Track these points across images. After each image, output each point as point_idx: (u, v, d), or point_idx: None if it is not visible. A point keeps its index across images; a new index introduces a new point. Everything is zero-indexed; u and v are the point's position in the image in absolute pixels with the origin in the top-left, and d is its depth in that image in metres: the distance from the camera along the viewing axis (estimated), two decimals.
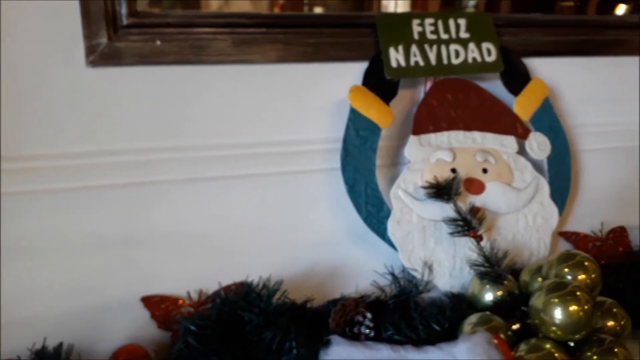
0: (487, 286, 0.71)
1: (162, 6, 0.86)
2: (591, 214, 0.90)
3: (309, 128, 0.79)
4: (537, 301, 0.61)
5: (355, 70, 0.78)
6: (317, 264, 0.77)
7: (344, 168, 0.75)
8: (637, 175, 0.94)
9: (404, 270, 0.75)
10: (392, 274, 0.74)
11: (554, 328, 0.60)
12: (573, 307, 0.59)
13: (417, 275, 0.75)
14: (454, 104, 0.80)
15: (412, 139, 0.78)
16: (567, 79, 0.90)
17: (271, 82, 0.77)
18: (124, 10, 0.67)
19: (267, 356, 0.62)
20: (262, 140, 0.78)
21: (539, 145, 0.82)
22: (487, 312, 0.66)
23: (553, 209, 0.81)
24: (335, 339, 0.61)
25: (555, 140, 0.83)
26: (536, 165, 0.83)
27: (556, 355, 0.59)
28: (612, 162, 0.93)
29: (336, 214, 0.78)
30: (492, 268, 0.69)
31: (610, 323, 0.66)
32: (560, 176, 0.83)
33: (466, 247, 0.75)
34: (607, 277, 0.75)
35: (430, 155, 0.77)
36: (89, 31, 0.66)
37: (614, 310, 0.67)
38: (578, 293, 0.60)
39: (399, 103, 0.82)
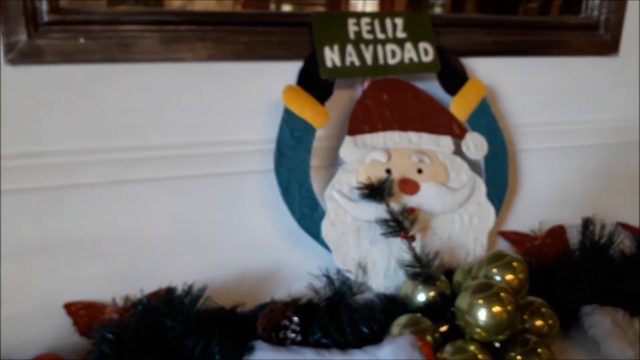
0: (420, 287, 0.70)
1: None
2: (531, 214, 0.91)
3: (242, 128, 0.78)
4: (462, 302, 0.61)
5: (290, 70, 0.76)
6: (250, 268, 0.75)
7: (278, 169, 0.73)
8: (575, 174, 0.95)
9: (338, 272, 0.74)
10: (327, 276, 0.73)
11: (478, 329, 0.60)
12: (496, 308, 0.59)
13: (352, 276, 0.74)
14: (390, 105, 0.80)
15: (348, 140, 0.77)
16: (506, 79, 0.91)
17: (203, 81, 0.75)
18: (44, 6, 0.65)
19: None
20: (194, 140, 0.76)
21: (475, 145, 0.82)
22: (417, 314, 0.66)
23: (490, 208, 0.81)
24: (258, 344, 0.59)
25: (493, 140, 0.84)
26: (473, 165, 0.83)
27: (480, 357, 0.59)
28: (551, 161, 0.94)
29: (271, 216, 0.77)
30: (423, 269, 0.69)
31: (539, 322, 0.66)
32: (498, 176, 0.84)
33: (401, 248, 0.74)
34: (541, 276, 0.76)
35: (365, 156, 0.77)
36: (8, 28, 0.64)
37: (543, 310, 0.67)
38: (502, 294, 0.60)
39: (337, 103, 0.81)
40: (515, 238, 0.87)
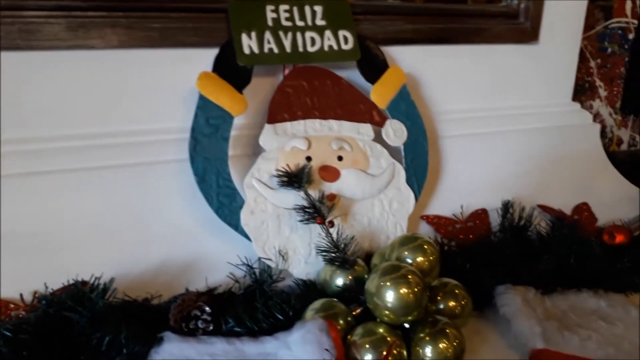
0: (338, 272, 0.71)
1: None
2: (454, 198, 0.92)
3: (159, 117, 0.77)
4: (370, 285, 0.62)
5: (207, 57, 0.75)
6: (169, 259, 0.74)
7: (193, 158, 0.72)
8: (497, 159, 0.98)
9: (259, 260, 0.74)
10: (247, 265, 0.73)
11: (386, 312, 0.61)
12: (404, 290, 0.60)
13: (272, 264, 0.74)
14: (310, 92, 0.80)
15: (267, 128, 0.77)
16: (428, 67, 0.92)
17: (115, 69, 0.73)
18: None
19: (98, 357, 0.59)
20: (108, 130, 0.75)
21: (395, 132, 0.83)
22: (332, 299, 0.66)
23: (409, 193, 0.83)
24: (167, 335, 0.59)
25: (412, 127, 0.85)
26: (393, 152, 0.84)
27: (388, 338, 0.59)
28: (473, 147, 0.97)
29: (189, 206, 0.76)
30: (339, 254, 0.69)
31: (452, 303, 0.68)
32: (417, 162, 0.85)
33: (320, 234, 0.75)
34: (458, 258, 0.78)
35: (285, 144, 0.76)
36: None
37: (456, 291, 0.69)
38: (410, 276, 0.61)
39: (258, 91, 0.81)
40: (437, 222, 0.89)
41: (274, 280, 0.72)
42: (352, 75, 0.84)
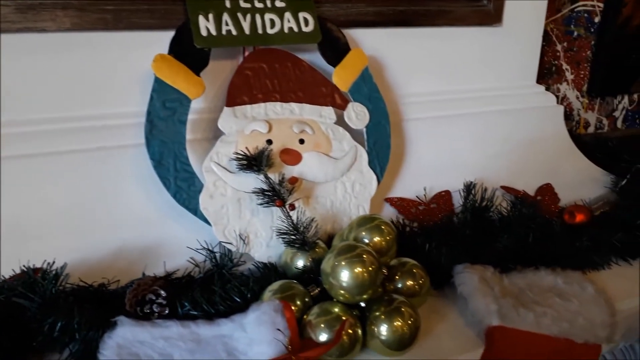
0: (299, 254, 0.71)
1: None
2: (418, 181, 0.93)
3: (115, 101, 0.75)
4: (326, 265, 0.62)
5: (163, 40, 0.74)
6: (127, 245, 0.73)
7: (149, 142, 0.71)
8: (461, 141, 0.99)
9: (219, 244, 0.74)
10: (208, 249, 0.73)
11: (342, 291, 0.61)
12: (358, 269, 0.60)
13: (233, 248, 0.73)
14: (270, 75, 0.79)
15: (226, 111, 0.76)
16: (391, 50, 0.92)
17: (68, 52, 0.72)
18: None
19: (51, 343, 0.58)
20: (62, 115, 0.73)
21: (357, 115, 0.83)
22: (290, 280, 0.66)
23: (372, 176, 0.83)
24: (120, 319, 0.58)
25: (375, 110, 0.85)
26: (356, 134, 0.84)
27: (343, 317, 0.60)
28: (437, 130, 0.97)
29: (148, 191, 0.75)
30: (298, 236, 0.69)
31: (410, 282, 0.68)
32: (380, 145, 0.85)
33: (281, 217, 0.74)
34: (418, 239, 0.78)
35: (245, 127, 0.76)
36: None
37: (414, 270, 0.69)
38: (364, 256, 0.61)
39: (218, 75, 0.80)
40: (400, 204, 0.89)
41: (235, 264, 0.72)
42: (314, 58, 0.84)
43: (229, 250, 0.73)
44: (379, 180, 0.84)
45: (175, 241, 0.75)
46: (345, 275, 0.60)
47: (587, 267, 0.80)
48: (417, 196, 0.92)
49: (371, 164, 0.84)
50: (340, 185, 0.81)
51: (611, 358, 0.99)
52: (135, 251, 0.73)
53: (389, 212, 0.89)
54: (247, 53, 0.80)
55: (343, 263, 0.61)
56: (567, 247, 0.79)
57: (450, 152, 0.98)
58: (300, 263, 0.70)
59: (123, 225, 0.74)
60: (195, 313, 0.63)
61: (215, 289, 0.65)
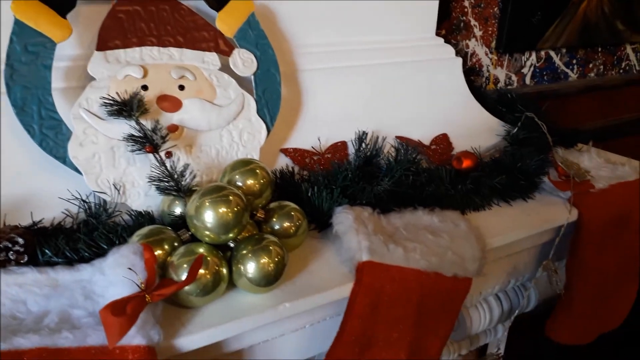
0: (176, 202, 0.69)
1: None
2: (315, 132, 0.93)
3: None
4: (190, 207, 0.61)
5: None
6: None
7: (10, 88, 0.67)
8: (359, 93, 0.99)
9: (93, 194, 0.71)
10: (81, 200, 0.70)
11: (207, 232, 0.60)
12: (222, 209, 0.60)
13: (107, 198, 0.71)
14: (146, 18, 0.76)
15: (97, 55, 0.73)
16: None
17: None
18: None
19: None
20: None
21: (244, 62, 0.82)
22: (160, 225, 0.65)
23: (261, 124, 0.82)
24: None
25: (263, 57, 0.83)
26: (245, 83, 0.82)
27: (209, 258, 0.59)
28: (334, 80, 0.97)
29: (16, 140, 0.71)
30: (170, 182, 0.68)
31: (287, 224, 0.69)
32: (269, 93, 0.84)
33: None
34: (304, 185, 0.79)
35: (118, 72, 0.73)
36: None
37: (292, 213, 0.70)
38: (230, 197, 0.60)
39: (94, 20, 0.76)
40: (295, 154, 0.89)
41: (109, 215, 0.70)
42: (199, 4, 0.81)
43: (104, 201, 0.71)
44: (268, 129, 0.83)
45: (47, 192, 0.72)
46: (209, 216, 0.60)
47: (469, 208, 0.83)
48: (312, 147, 0.92)
49: (260, 113, 0.82)
50: (227, 134, 0.79)
51: (504, 297, 1.05)
52: (6, 203, 0.69)
53: (282, 163, 0.89)
54: None
55: (207, 204, 0.60)
56: (448, 190, 0.81)
57: (347, 103, 0.98)
58: (177, 210, 0.69)
59: None
60: (58, 260, 0.61)
61: (80, 236, 0.63)
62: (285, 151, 0.89)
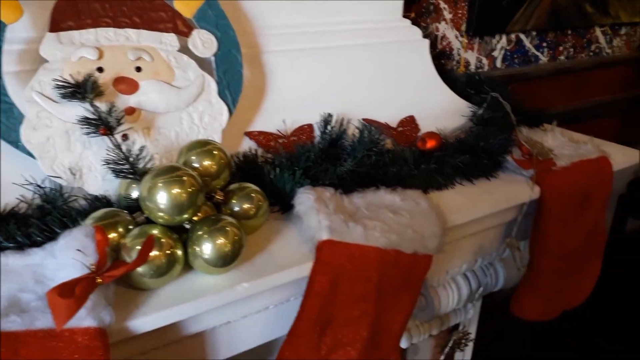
0: (133, 185, 0.68)
1: None
2: (280, 114, 0.92)
3: None
4: (143, 189, 0.60)
5: None
6: None
7: None
8: (325, 75, 0.98)
9: (48, 179, 0.70)
10: (35, 185, 0.69)
11: (160, 213, 0.60)
12: (176, 190, 0.59)
13: (63, 182, 0.70)
14: None
15: (49, 37, 0.71)
16: None
17: None
18: None
19: None
20: None
21: (203, 42, 0.80)
22: (115, 208, 0.64)
23: (222, 106, 0.81)
24: None
25: (224, 38, 0.82)
26: (206, 64, 0.81)
27: (162, 240, 0.58)
28: (299, 62, 0.96)
29: None
30: (126, 165, 0.67)
31: (247, 206, 0.69)
32: (231, 74, 0.83)
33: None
34: (266, 167, 0.78)
35: (72, 54, 0.71)
36: None
37: (252, 194, 0.69)
38: (184, 177, 0.60)
39: (49, 2, 0.74)
40: (259, 137, 0.88)
41: (66, 200, 0.69)
42: None
43: (60, 185, 0.70)
44: (230, 111, 0.82)
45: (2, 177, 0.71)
46: (162, 197, 0.59)
47: (432, 187, 0.83)
48: (277, 130, 0.91)
49: (221, 95, 0.81)
50: (187, 116, 0.78)
51: (472, 276, 1.06)
52: None
53: (246, 146, 0.88)
54: None
55: (160, 185, 0.59)
56: (412, 170, 0.81)
57: (314, 86, 0.97)
58: (135, 194, 0.68)
59: None
60: (10, 245, 0.60)
61: (32, 221, 0.61)
62: (250, 134, 0.89)
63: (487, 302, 1.24)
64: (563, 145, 0.96)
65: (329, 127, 0.89)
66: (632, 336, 1.66)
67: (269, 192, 0.75)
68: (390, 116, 1.01)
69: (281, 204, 0.76)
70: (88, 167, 0.72)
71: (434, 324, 1.12)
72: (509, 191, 0.86)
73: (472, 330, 1.25)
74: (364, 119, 0.98)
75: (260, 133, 0.89)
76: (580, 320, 1.71)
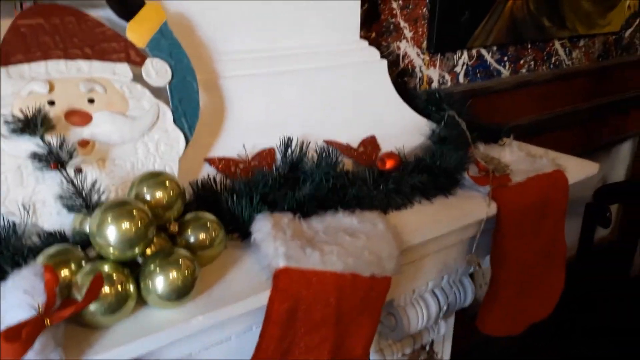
0: (87, 219, 0.68)
1: None
2: (241, 139, 0.92)
3: None
4: (92, 224, 0.60)
5: None
6: None
7: None
8: (284, 98, 0.99)
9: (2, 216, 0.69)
10: None
11: (110, 249, 0.59)
12: (125, 225, 0.59)
13: (17, 219, 0.69)
14: (51, 31, 0.74)
15: None
16: (205, 7, 0.89)
17: None
18: None
19: None
20: None
21: (157, 71, 0.81)
22: (68, 245, 0.63)
23: (178, 134, 0.81)
24: None
25: (178, 66, 0.83)
26: (162, 93, 0.81)
27: (114, 276, 0.58)
28: (257, 87, 0.96)
29: None
30: (77, 199, 0.66)
31: (202, 236, 0.68)
32: (187, 102, 0.83)
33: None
34: (223, 194, 0.78)
35: (22, 88, 0.71)
36: None
37: (208, 224, 0.69)
38: (134, 211, 0.59)
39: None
40: (219, 163, 0.88)
41: (19, 237, 0.68)
42: (110, 14, 0.80)
43: (13, 222, 0.69)
44: (187, 139, 0.83)
45: None
46: (111, 232, 0.58)
47: (391, 208, 0.84)
48: (238, 154, 0.91)
49: (178, 122, 0.82)
50: (142, 146, 0.78)
51: (440, 293, 1.07)
52: None
53: (207, 173, 0.88)
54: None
55: (108, 219, 0.59)
56: (370, 190, 0.82)
57: (274, 110, 0.98)
58: (86, 227, 0.67)
59: None
60: None
61: None
62: (210, 160, 0.89)
63: (462, 317, 1.26)
64: (520, 160, 0.98)
65: (289, 151, 0.89)
66: (609, 341, 1.68)
67: (228, 219, 0.75)
68: (352, 137, 1.02)
69: (240, 230, 0.76)
70: (42, 202, 0.71)
71: (406, 343, 1.13)
72: (467, 208, 0.87)
73: (447, 347, 1.25)
74: (325, 141, 0.98)
75: (220, 159, 0.89)
76: (556, 330, 1.73)
